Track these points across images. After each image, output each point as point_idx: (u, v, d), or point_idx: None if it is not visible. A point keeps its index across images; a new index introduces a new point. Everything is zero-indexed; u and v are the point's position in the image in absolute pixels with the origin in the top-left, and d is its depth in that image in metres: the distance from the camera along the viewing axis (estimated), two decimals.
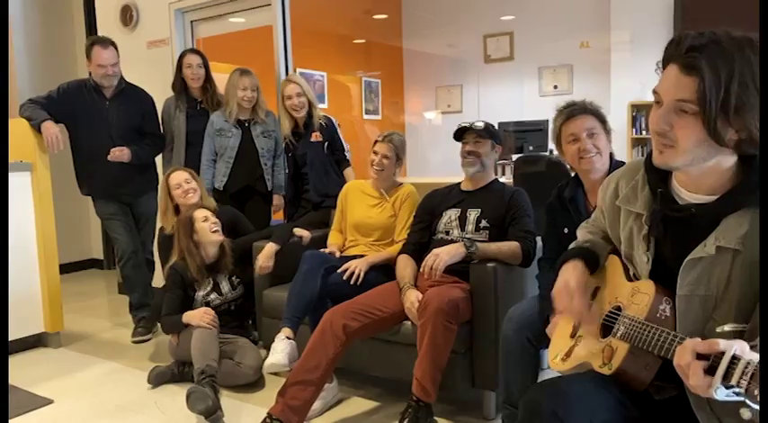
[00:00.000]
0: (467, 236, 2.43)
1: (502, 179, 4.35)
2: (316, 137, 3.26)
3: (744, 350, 0.93)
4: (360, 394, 2.63)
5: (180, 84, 3.56)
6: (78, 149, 3.49)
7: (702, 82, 1.02)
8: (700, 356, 0.97)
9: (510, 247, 2.34)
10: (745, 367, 0.90)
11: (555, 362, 1.41)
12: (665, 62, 1.10)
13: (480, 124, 2.47)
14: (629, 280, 1.30)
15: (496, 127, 2.59)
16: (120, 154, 3.34)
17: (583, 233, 1.54)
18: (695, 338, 1.01)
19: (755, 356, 0.91)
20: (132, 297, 3.58)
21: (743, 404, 0.90)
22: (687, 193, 1.18)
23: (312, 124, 3.27)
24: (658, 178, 1.23)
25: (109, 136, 3.38)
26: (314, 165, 3.26)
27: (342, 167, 3.35)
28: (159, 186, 3.11)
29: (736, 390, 0.90)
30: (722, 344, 0.95)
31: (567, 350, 1.39)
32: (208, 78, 3.56)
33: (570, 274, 1.36)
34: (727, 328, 1.07)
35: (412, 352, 2.25)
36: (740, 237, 1.09)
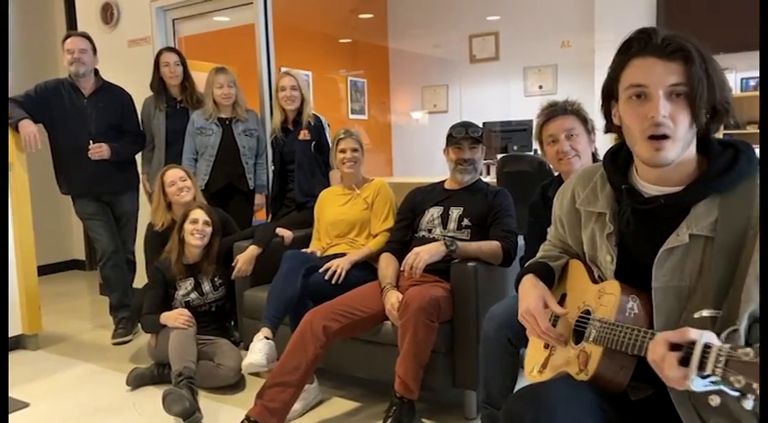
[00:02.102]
0: (449, 234, 2.43)
1: (486, 179, 4.34)
2: (304, 135, 3.23)
3: (713, 339, 0.94)
4: (341, 395, 2.61)
5: (158, 83, 3.53)
6: (57, 148, 3.45)
7: (691, 63, 1.06)
8: (673, 348, 0.97)
9: (491, 246, 2.33)
10: (719, 354, 0.90)
11: (533, 375, 1.40)
12: (630, 59, 1.12)
13: (478, 132, 2.46)
14: (595, 282, 1.29)
15: (482, 127, 2.60)
16: (99, 151, 3.31)
17: (541, 251, 1.54)
18: (666, 331, 1.01)
19: (725, 345, 0.92)
20: (112, 298, 3.54)
21: (714, 392, 0.90)
22: (653, 187, 1.19)
23: (301, 122, 3.25)
24: (620, 175, 1.24)
25: (88, 134, 3.35)
26: (301, 164, 3.23)
27: (329, 168, 3.33)
28: (155, 182, 3.09)
29: (713, 378, 0.90)
30: (693, 333, 0.95)
31: (543, 361, 1.38)
32: (186, 76, 3.53)
33: (527, 297, 1.36)
34: (705, 313, 1.07)
35: (393, 352, 2.24)
36: (711, 223, 1.10)
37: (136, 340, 3.43)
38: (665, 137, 1.08)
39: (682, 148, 1.10)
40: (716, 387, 0.90)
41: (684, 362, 0.94)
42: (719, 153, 1.15)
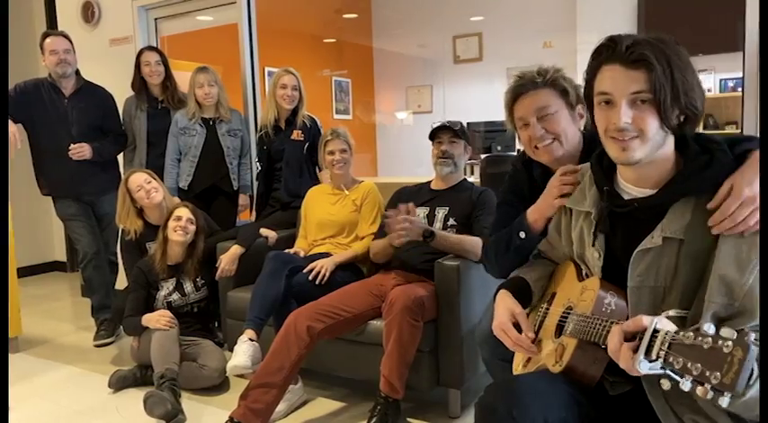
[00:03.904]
0: None
1: (470, 179, 4.36)
2: (297, 135, 3.22)
3: (664, 324, 0.97)
4: (325, 395, 2.61)
5: (139, 82, 3.50)
6: (37, 149, 3.41)
7: (653, 71, 1.08)
8: (630, 338, 1.00)
9: (472, 241, 2.34)
10: (664, 338, 0.93)
11: (517, 371, 1.44)
12: (599, 66, 1.16)
13: (457, 124, 2.48)
14: (581, 281, 1.32)
15: (466, 127, 2.62)
16: (81, 151, 3.27)
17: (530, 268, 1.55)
18: (622, 323, 1.04)
19: (673, 327, 0.94)
20: (94, 299, 3.50)
21: (661, 376, 0.92)
22: (633, 188, 1.22)
23: (295, 122, 3.23)
24: (604, 177, 1.27)
25: (69, 134, 3.32)
26: (290, 163, 3.21)
27: (316, 169, 3.31)
28: (119, 189, 3.05)
29: (658, 363, 0.92)
30: (645, 320, 0.99)
31: (527, 357, 1.41)
32: (168, 76, 3.50)
33: (497, 313, 1.39)
34: (672, 313, 1.10)
35: (378, 352, 2.24)
36: (684, 226, 1.13)
37: (118, 342, 3.39)
38: (630, 138, 1.12)
39: (651, 148, 1.13)
40: (660, 371, 0.92)
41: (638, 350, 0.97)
42: (696, 154, 1.17)
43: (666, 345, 0.92)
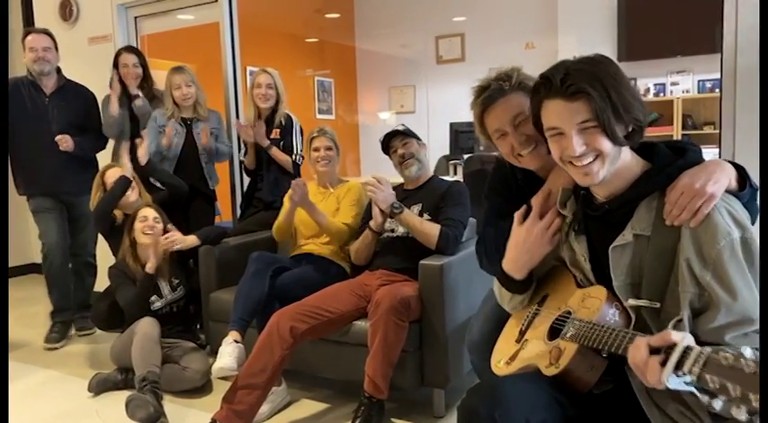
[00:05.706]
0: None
1: (454, 178, 4.38)
2: (275, 134, 3.22)
3: (693, 342, 0.97)
4: (309, 396, 2.60)
5: (117, 83, 3.44)
6: (16, 147, 3.35)
7: (591, 99, 1.13)
8: (654, 351, 1.00)
9: (431, 226, 2.39)
10: (698, 356, 0.94)
11: (498, 366, 1.41)
12: (541, 102, 1.20)
13: (402, 126, 2.55)
14: (579, 287, 1.33)
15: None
16: (65, 142, 3.22)
17: None
18: (647, 336, 1.04)
19: (706, 348, 0.95)
20: (52, 298, 3.44)
21: (688, 392, 0.93)
22: (604, 199, 1.25)
23: (274, 121, 3.22)
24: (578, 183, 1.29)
25: (50, 132, 3.26)
26: (270, 163, 3.21)
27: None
28: (94, 182, 3.05)
29: (687, 378, 0.93)
30: (674, 335, 0.99)
31: (511, 354, 1.39)
32: (145, 77, 3.44)
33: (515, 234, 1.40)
34: (632, 302, 1.16)
35: (362, 352, 2.24)
36: (651, 223, 1.17)
37: (95, 345, 3.34)
38: (589, 162, 1.17)
39: (610, 163, 1.18)
40: (689, 387, 0.93)
41: (665, 364, 0.97)
42: (665, 156, 1.21)
43: (701, 363, 0.93)
